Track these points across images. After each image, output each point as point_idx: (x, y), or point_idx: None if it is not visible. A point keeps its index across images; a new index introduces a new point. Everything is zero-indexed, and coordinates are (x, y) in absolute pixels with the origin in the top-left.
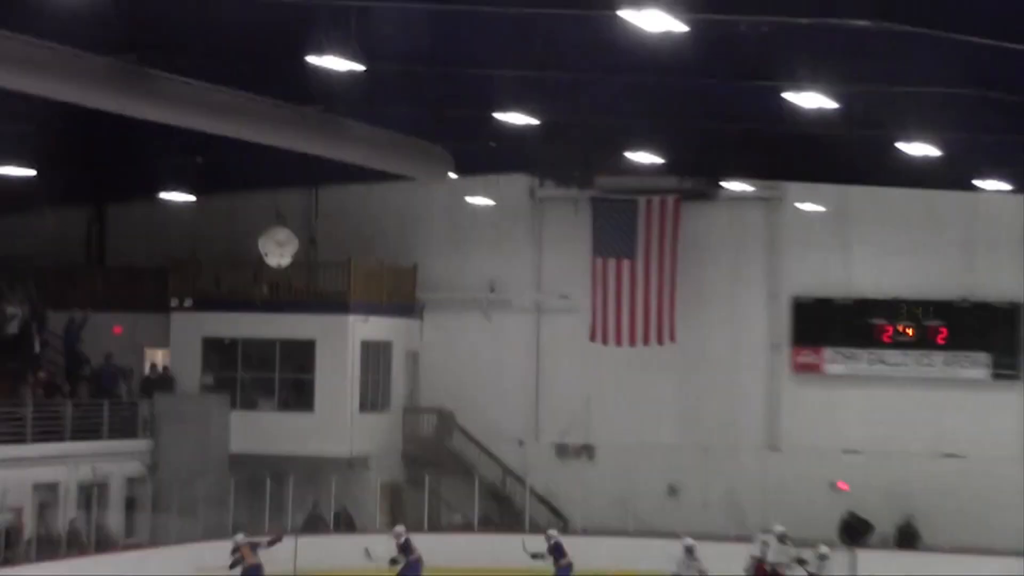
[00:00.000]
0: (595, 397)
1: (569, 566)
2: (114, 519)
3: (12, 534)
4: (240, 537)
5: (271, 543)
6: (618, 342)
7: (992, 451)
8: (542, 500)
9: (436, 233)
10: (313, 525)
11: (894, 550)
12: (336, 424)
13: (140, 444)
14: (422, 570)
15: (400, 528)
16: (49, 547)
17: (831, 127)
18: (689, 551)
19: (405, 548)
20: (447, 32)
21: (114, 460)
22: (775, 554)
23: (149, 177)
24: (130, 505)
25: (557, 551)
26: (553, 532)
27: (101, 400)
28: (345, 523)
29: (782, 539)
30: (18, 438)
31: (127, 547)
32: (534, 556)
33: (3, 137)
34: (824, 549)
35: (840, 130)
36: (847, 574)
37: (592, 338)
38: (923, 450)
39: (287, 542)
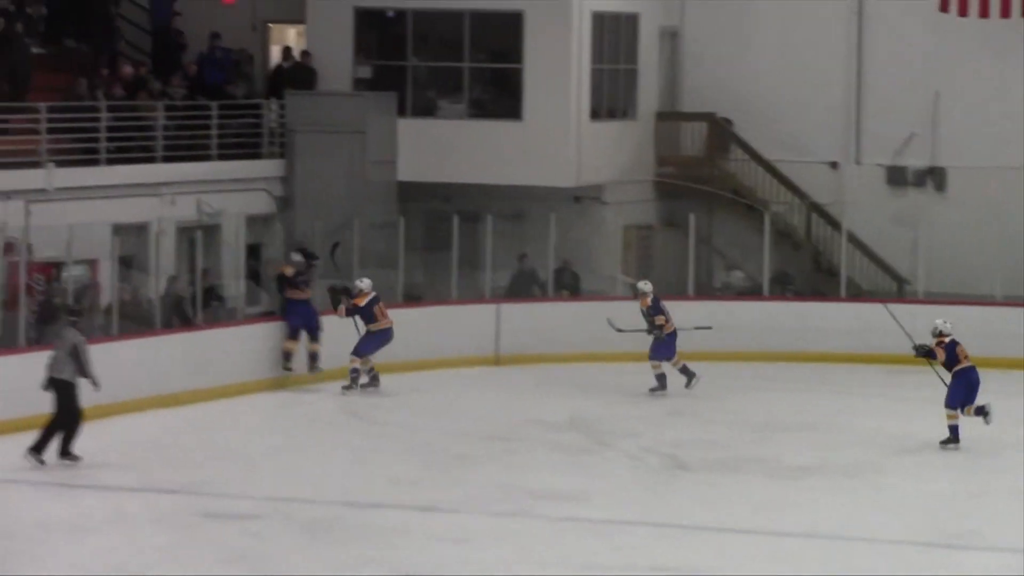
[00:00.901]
0: (947, 97)
1: (672, 334)
2: (231, 279)
3: (84, 297)
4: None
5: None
6: (983, 12)
7: None
8: (865, 251)
9: None
10: (522, 287)
11: None
12: (556, 138)
13: (266, 167)
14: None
15: (647, 285)
16: (137, 318)
17: None
18: None
19: (656, 309)
20: None
21: (229, 191)
22: None
23: None
24: (254, 256)
25: (655, 309)
26: (645, 285)
27: (207, 102)
28: (569, 284)
29: None
30: (88, 158)
31: (251, 319)
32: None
33: None
34: None
35: None
36: None
37: (944, 7)
38: None
39: (478, 313)
